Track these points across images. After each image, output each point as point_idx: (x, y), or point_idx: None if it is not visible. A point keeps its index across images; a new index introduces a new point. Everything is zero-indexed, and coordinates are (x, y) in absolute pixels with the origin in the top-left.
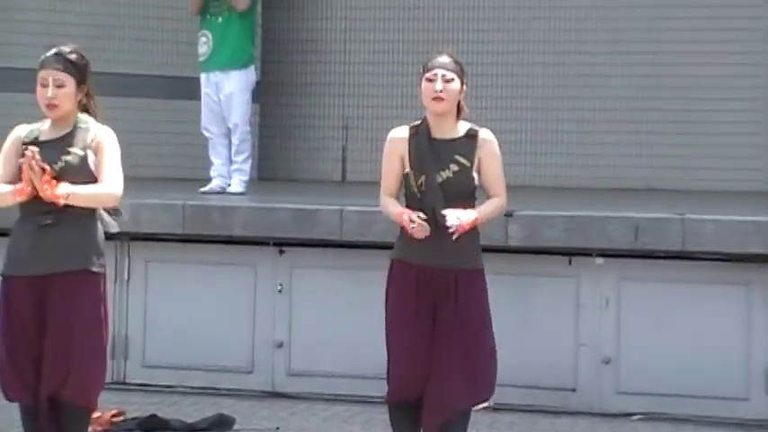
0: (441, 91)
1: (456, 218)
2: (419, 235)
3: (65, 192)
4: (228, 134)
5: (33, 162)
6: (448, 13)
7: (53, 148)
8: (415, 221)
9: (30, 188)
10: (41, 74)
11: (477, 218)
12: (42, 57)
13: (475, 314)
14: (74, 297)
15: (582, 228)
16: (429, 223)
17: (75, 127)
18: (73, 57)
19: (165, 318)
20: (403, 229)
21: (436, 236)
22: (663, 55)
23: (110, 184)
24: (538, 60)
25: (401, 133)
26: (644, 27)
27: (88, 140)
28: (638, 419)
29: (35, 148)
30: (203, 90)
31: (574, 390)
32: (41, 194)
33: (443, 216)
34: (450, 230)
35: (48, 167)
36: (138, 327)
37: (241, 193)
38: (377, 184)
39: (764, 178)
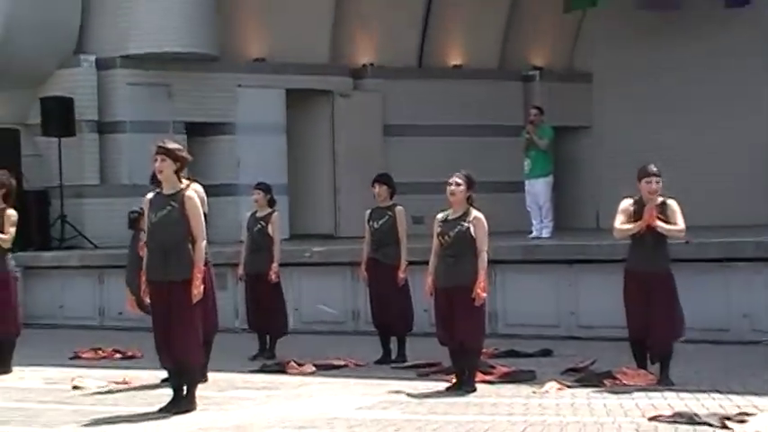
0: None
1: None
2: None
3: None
4: (540, 209)
5: None
6: None
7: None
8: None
9: None
10: (452, 179)
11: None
12: None
13: (667, 295)
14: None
15: (732, 246)
16: None
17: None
18: (467, 172)
19: (511, 300)
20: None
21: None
22: None
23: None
24: None
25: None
26: None
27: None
28: (765, 344)
29: None
30: (527, 188)
31: (728, 330)
32: None
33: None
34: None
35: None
36: (501, 305)
37: (548, 237)
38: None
39: None
